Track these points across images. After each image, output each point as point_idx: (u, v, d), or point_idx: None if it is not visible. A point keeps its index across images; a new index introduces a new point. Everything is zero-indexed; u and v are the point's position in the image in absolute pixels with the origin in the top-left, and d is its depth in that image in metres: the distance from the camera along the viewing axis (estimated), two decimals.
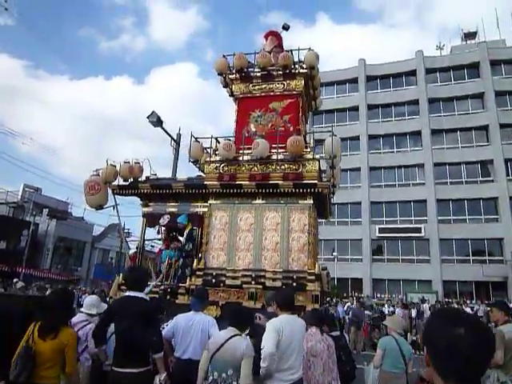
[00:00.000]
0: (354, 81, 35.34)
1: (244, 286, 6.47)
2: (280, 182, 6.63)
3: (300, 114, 7.58)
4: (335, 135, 6.63)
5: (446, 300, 25.19)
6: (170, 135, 14.45)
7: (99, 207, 7.35)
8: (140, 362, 3.40)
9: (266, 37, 8.75)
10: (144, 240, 7.62)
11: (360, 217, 31.85)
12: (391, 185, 32.47)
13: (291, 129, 7.39)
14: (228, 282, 6.55)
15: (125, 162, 7.64)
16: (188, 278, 6.79)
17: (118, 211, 7.51)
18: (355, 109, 34.38)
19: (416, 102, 33.01)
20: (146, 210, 7.49)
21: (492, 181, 29.80)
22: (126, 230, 31.50)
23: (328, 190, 6.52)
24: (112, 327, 3.72)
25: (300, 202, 6.72)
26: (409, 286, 29.09)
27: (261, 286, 6.36)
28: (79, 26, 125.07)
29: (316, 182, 6.52)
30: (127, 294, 3.73)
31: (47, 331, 3.17)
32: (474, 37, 35.93)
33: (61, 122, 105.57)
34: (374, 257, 31.53)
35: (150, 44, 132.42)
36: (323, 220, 8.92)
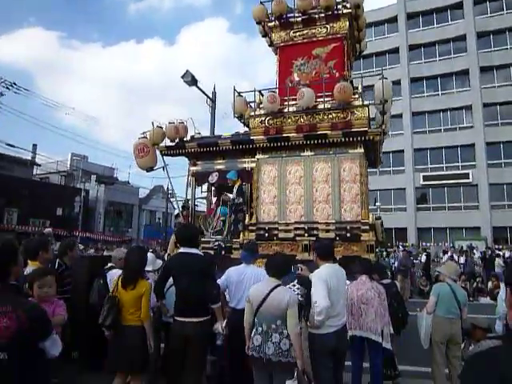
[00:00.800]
0: (393, 20, 32.94)
1: (297, 238, 6.50)
2: (329, 132, 6.43)
3: (345, 59, 7.18)
4: (386, 78, 6.24)
5: (496, 246, 24.41)
6: (205, 93, 14.35)
7: (149, 169, 7.49)
8: (200, 312, 3.63)
9: None
10: (195, 198, 7.75)
11: (403, 165, 30.81)
12: (436, 130, 30.86)
13: (337, 75, 7.05)
14: (281, 235, 6.60)
15: (170, 123, 7.65)
16: (241, 233, 6.90)
17: (167, 172, 7.64)
18: (395, 51, 32.30)
19: (463, 38, 30.45)
20: (194, 168, 7.56)
21: None
22: (170, 191, 32.47)
23: (380, 137, 6.25)
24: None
25: (350, 151, 6.52)
26: (456, 233, 28.33)
27: (314, 238, 6.35)
28: None
29: (366, 129, 6.26)
30: (181, 250, 3.88)
31: (128, 283, 3.71)
32: None
33: (97, 90, 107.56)
34: (419, 205, 30.74)
35: (177, 2, 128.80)
36: (372, 169, 8.66)
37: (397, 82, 31.24)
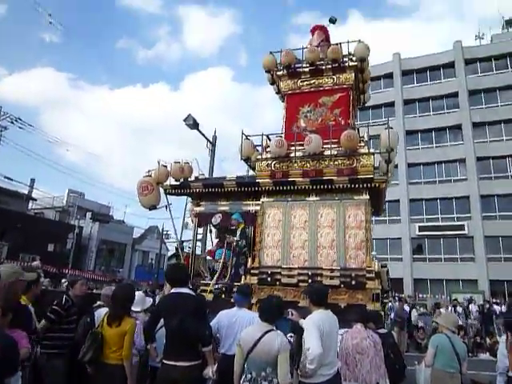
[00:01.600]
0: (389, 76, 34.45)
1: (300, 284, 6.33)
2: (335, 178, 6.47)
3: (351, 108, 7.39)
4: (391, 128, 6.39)
5: (494, 301, 24.03)
6: (205, 137, 14.77)
7: (152, 207, 7.44)
8: (191, 355, 3.48)
9: (313, 31, 8.59)
10: (196, 240, 7.63)
11: (399, 215, 30.97)
12: (431, 181, 31.36)
13: (342, 123, 7.22)
14: (284, 280, 6.45)
15: (175, 163, 7.70)
16: (243, 277, 6.74)
17: (170, 211, 7.58)
18: (391, 104, 33.50)
19: (455, 95, 31.77)
20: (197, 209, 7.51)
21: None
22: (164, 232, 32.24)
23: (385, 184, 6.30)
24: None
25: (355, 197, 6.53)
26: (453, 285, 27.96)
27: None
28: (117, 37, 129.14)
29: (372, 176, 6.31)
30: (173, 290, 3.78)
31: (113, 319, 3.72)
32: None
33: (102, 130, 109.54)
34: (415, 256, 30.55)
35: (185, 51, 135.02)
36: (374, 217, 8.66)
37: None
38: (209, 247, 8.53)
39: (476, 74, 31.71)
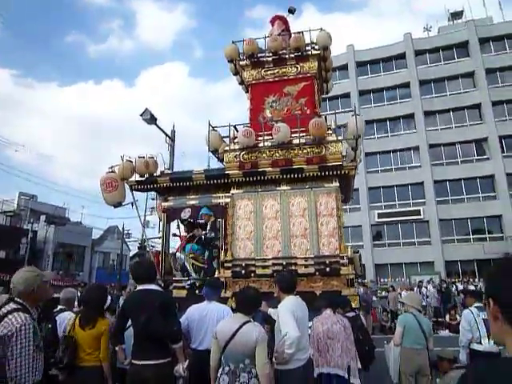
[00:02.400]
0: (344, 67, 35.19)
1: (275, 274, 6.29)
2: (305, 166, 6.47)
3: (316, 97, 7.42)
4: (358, 115, 6.48)
5: (449, 280, 25.39)
6: (164, 132, 14.42)
7: (118, 204, 7.12)
8: (160, 354, 3.40)
9: (273, 22, 8.53)
10: (167, 236, 7.40)
11: (359, 203, 31.89)
12: (387, 169, 32.52)
13: (308, 112, 7.24)
14: (258, 271, 6.39)
15: (139, 157, 7.41)
16: (216, 271, 6.62)
17: (137, 208, 7.31)
18: (347, 95, 34.27)
19: (407, 85, 33.04)
20: (165, 204, 7.28)
21: (487, 159, 30.03)
22: (125, 232, 31.30)
23: (354, 171, 6.38)
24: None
25: (326, 185, 6.57)
26: (411, 268, 29.28)
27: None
28: (66, 32, 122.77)
29: (341, 163, 6.38)
30: (139, 287, 3.66)
31: (87, 322, 3.62)
32: (461, 16, 36.00)
33: (52, 130, 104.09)
34: (375, 242, 31.66)
35: (138, 45, 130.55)
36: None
37: None
38: (175, 243, 8.32)
39: (426, 65, 33.10)
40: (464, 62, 31.98)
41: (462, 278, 27.48)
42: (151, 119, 13.58)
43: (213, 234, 6.98)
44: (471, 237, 29.55)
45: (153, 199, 16.56)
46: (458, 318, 14.69)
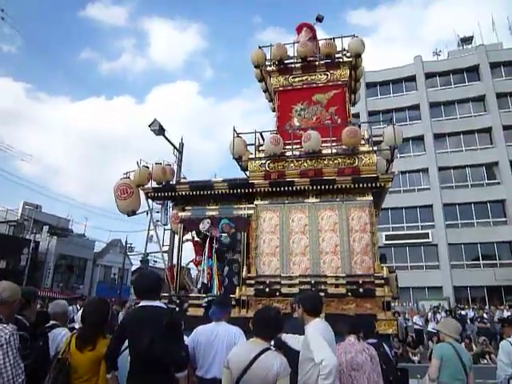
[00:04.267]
0: None
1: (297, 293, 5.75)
2: (337, 178, 6.00)
3: (347, 106, 7.01)
4: (395, 124, 6.04)
5: (459, 306, 24.51)
6: (172, 143, 14.47)
7: (132, 213, 6.65)
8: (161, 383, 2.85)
9: (299, 30, 8.19)
10: (181, 249, 6.87)
11: None
12: (396, 191, 31.94)
13: (339, 121, 6.82)
14: (284, 290, 5.84)
15: (156, 164, 6.98)
16: (237, 288, 6.06)
17: (151, 216, 6.81)
18: (356, 116, 34.07)
19: (417, 107, 32.84)
20: (183, 214, 6.78)
21: (498, 183, 29.49)
22: (128, 245, 30.73)
23: (390, 184, 5.90)
24: None
25: (358, 198, 6.10)
26: (419, 293, 28.37)
27: (323, 294, 5.63)
28: (80, 49, 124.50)
29: (377, 175, 5.91)
30: (141, 304, 3.09)
31: (85, 342, 3.09)
32: (471, 42, 36.05)
33: (62, 143, 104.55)
34: (382, 265, 30.79)
35: (150, 64, 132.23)
36: None
37: None
38: (188, 258, 7.76)
39: (436, 88, 32.97)
40: (474, 85, 31.82)
41: (472, 304, 26.59)
42: (160, 130, 13.64)
43: (228, 239, 6.44)
44: (481, 262, 28.70)
45: (157, 212, 16.25)
46: (473, 347, 14.01)
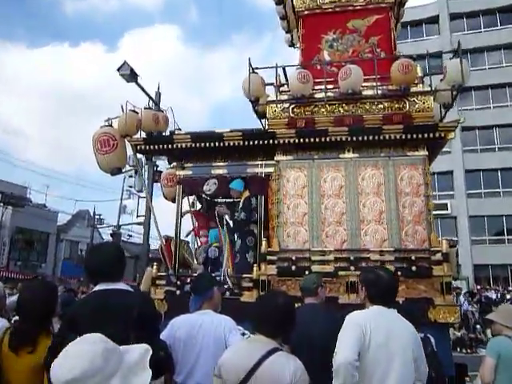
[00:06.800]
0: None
1: (340, 273, 5.29)
2: (384, 127, 5.42)
3: (392, 36, 6.35)
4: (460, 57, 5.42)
5: (478, 287, 24.78)
6: (146, 92, 13.95)
7: (116, 170, 5.98)
8: None
9: None
10: (181, 218, 6.30)
11: None
12: None
13: (382, 55, 6.18)
14: (315, 268, 5.34)
15: (146, 109, 6.28)
16: (254, 266, 5.55)
17: (141, 175, 6.18)
18: None
19: (439, 56, 32.11)
20: (182, 173, 6.17)
21: None
22: (97, 216, 30.31)
23: (454, 134, 5.35)
24: None
25: (409, 153, 5.56)
26: None
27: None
28: None
29: (436, 123, 5.36)
30: (97, 287, 2.60)
31: (22, 341, 2.68)
32: None
33: (17, 98, 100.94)
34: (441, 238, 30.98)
35: (124, 4, 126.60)
36: None
37: None
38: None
39: (462, 32, 32.15)
40: (509, 29, 31.11)
41: (493, 285, 26.99)
42: (131, 75, 12.98)
43: (243, 215, 5.89)
44: (506, 237, 29.08)
45: (130, 177, 15.64)
46: None
